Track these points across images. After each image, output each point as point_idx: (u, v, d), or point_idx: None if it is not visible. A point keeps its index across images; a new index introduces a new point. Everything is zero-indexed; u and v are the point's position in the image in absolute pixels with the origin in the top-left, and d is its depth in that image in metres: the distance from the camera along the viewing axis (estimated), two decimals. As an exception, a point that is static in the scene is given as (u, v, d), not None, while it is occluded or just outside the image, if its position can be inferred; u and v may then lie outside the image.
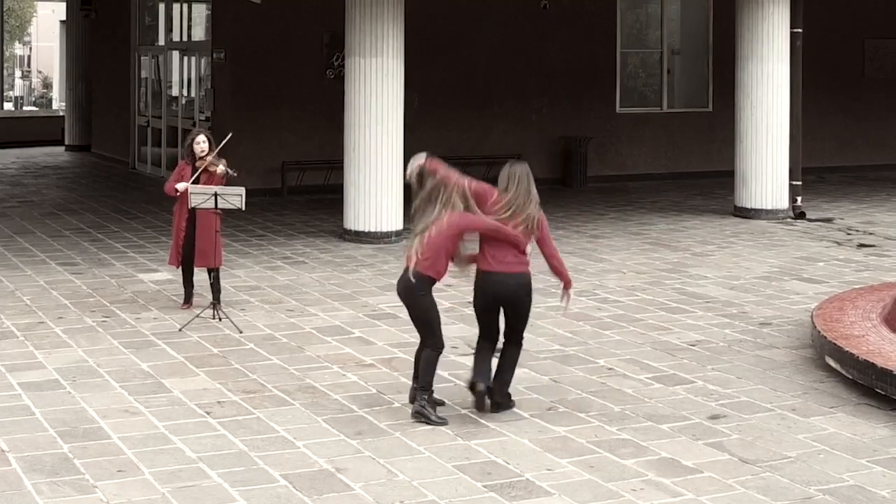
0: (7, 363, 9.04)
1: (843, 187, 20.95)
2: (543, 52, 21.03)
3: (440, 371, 8.12)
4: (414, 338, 9.81)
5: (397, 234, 14.63)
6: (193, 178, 10.50)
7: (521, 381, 8.75)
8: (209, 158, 10.55)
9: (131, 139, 23.69)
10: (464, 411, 7.94)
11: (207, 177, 10.51)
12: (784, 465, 7.03)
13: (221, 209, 10.41)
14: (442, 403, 7.96)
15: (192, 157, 10.62)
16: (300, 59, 19.46)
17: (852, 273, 13.04)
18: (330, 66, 19.52)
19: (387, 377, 8.81)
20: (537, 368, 9.11)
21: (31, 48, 69.42)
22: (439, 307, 7.98)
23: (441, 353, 7.85)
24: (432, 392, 7.84)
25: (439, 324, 7.84)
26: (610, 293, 11.92)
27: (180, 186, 10.51)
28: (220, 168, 10.51)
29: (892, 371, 8.04)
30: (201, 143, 10.60)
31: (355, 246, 14.50)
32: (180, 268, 10.89)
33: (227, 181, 10.57)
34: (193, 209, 10.42)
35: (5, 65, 39.65)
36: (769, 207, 17.15)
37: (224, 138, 10.69)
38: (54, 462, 6.96)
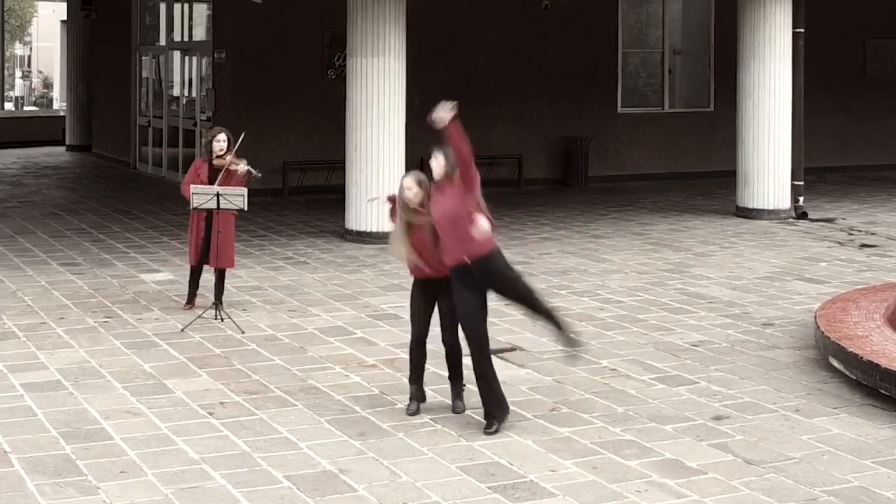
0: (9, 364, 9.03)
1: (845, 187, 20.94)
2: (544, 52, 21.01)
3: (444, 372, 8.12)
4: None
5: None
6: (219, 178, 10.44)
7: (524, 381, 8.75)
8: (229, 158, 10.53)
9: (132, 139, 23.68)
10: (466, 412, 7.92)
11: (227, 176, 10.46)
12: (788, 466, 7.02)
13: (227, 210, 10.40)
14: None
15: (210, 154, 10.60)
16: (301, 60, 19.45)
17: (855, 273, 13.03)
18: (331, 66, 19.51)
19: (389, 378, 8.79)
20: (540, 369, 9.09)
21: (31, 48, 69.39)
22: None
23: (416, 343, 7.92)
24: (418, 386, 7.95)
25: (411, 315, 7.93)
26: (612, 293, 11.90)
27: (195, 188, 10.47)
28: (242, 167, 10.47)
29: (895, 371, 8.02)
30: (221, 142, 10.57)
31: (357, 246, 14.49)
32: (190, 267, 10.89)
33: (249, 181, 10.54)
34: (210, 210, 10.37)
35: (6, 65, 39.63)
36: (771, 207, 17.15)
37: (238, 137, 10.68)
38: (57, 463, 6.94)
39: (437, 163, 7.80)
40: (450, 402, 8.03)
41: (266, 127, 18.88)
